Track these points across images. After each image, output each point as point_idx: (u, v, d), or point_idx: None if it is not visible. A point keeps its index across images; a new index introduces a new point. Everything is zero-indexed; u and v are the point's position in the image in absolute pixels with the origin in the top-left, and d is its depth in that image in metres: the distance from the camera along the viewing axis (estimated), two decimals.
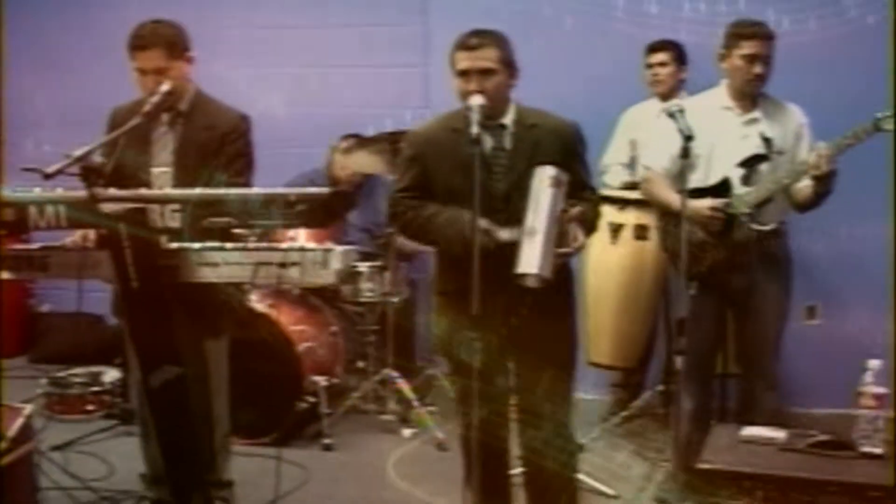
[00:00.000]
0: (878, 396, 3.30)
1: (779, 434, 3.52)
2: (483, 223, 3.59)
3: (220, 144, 4.16)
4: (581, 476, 4.56)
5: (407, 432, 5.88)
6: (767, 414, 4.38)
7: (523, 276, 3.56)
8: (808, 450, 3.39)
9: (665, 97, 5.72)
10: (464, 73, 3.77)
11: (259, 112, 4.43)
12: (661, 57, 5.90)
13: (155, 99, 3.92)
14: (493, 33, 3.82)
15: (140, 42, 4.04)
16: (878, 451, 3.31)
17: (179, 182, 4.08)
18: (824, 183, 4.39)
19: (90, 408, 6.01)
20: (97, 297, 4.10)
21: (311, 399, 5.66)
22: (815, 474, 3.20)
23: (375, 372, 6.07)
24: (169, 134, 4.18)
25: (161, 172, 4.15)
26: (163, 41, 4.04)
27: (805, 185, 4.51)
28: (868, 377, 3.33)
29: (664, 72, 5.87)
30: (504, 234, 3.66)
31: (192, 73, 4.22)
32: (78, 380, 6.13)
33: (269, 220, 3.53)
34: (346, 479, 5.17)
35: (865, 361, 3.36)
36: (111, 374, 6.16)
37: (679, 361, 3.90)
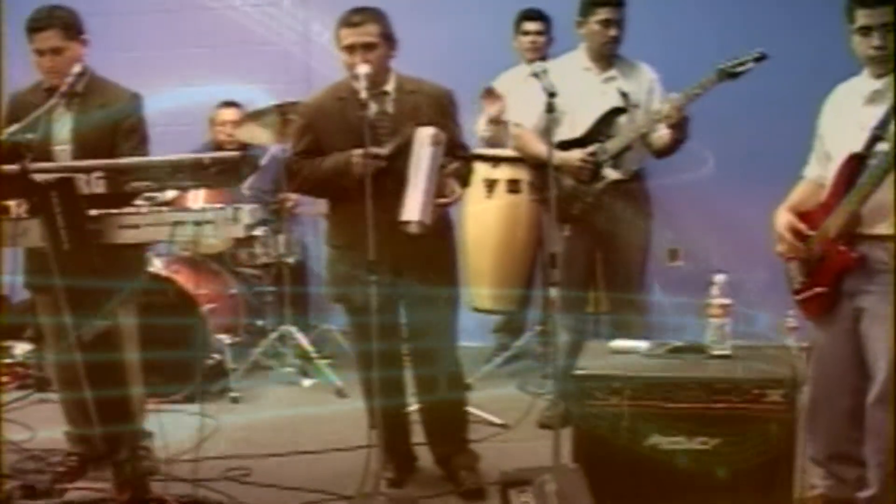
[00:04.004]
0: (723, 306, 3.73)
1: (642, 344, 3.95)
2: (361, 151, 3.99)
3: (114, 122, 4.46)
4: (470, 408, 4.93)
5: (307, 382, 6.25)
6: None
7: (407, 223, 4.01)
8: (666, 355, 3.82)
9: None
10: (349, 48, 4.15)
11: (145, 93, 4.68)
12: (537, 26, 6.18)
13: (69, 79, 4.25)
14: (374, 10, 4.20)
15: (37, 24, 4.35)
16: (726, 352, 3.74)
17: (80, 158, 4.35)
18: (679, 130, 4.84)
19: (4, 379, 6.20)
20: None
21: (217, 356, 5.99)
22: (673, 373, 3.62)
23: (274, 329, 6.39)
24: (66, 114, 4.46)
25: (62, 150, 4.43)
26: (59, 22, 4.36)
27: (663, 134, 4.96)
28: (714, 290, 3.75)
29: (541, 40, 6.17)
30: (383, 150, 4.07)
31: (86, 55, 4.51)
32: None
33: (186, 183, 3.91)
34: (254, 426, 5.46)
35: (711, 276, 3.80)
36: (22, 347, 6.39)
37: (552, 292, 4.31)
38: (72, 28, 4.43)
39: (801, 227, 3.85)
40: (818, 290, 3.83)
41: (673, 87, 4.93)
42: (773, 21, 6.19)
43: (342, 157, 4.13)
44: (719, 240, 6.41)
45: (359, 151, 4.01)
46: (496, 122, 5.91)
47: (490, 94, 5.89)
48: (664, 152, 5.06)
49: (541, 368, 6.09)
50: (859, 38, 3.67)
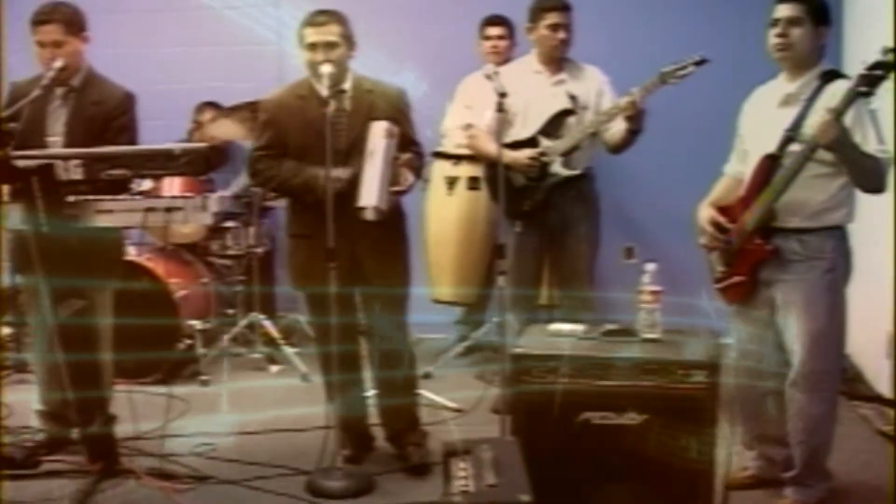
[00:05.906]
0: (653, 293, 3.95)
1: (579, 327, 4.16)
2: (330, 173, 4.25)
3: (106, 119, 4.67)
4: (428, 394, 5.26)
5: (274, 368, 6.51)
6: None
7: (363, 208, 4.27)
8: (600, 337, 4.01)
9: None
10: (312, 46, 4.42)
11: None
12: (499, 31, 6.35)
13: (50, 73, 4.48)
14: (336, 12, 4.49)
15: (41, 17, 4.57)
16: (655, 336, 3.95)
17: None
18: (636, 122, 5.03)
19: None
20: None
21: (189, 341, 6.22)
22: (605, 354, 3.81)
23: (243, 317, 6.64)
24: (62, 107, 4.69)
25: (54, 141, 4.63)
26: (61, 17, 4.58)
27: (618, 129, 5.16)
28: (646, 278, 3.96)
29: (503, 44, 6.34)
30: (337, 173, 4.32)
31: (86, 52, 4.72)
32: None
33: (157, 171, 4.18)
34: (222, 408, 5.67)
35: (643, 265, 3.99)
36: (1, 331, 6.61)
37: (500, 280, 4.55)
38: (73, 24, 4.64)
39: (722, 220, 4.16)
40: (736, 279, 4.13)
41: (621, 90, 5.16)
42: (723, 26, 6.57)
43: (309, 177, 4.39)
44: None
45: (323, 173, 4.27)
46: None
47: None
48: (620, 146, 5.24)
49: (497, 358, 6.28)
50: (770, 29, 3.96)
